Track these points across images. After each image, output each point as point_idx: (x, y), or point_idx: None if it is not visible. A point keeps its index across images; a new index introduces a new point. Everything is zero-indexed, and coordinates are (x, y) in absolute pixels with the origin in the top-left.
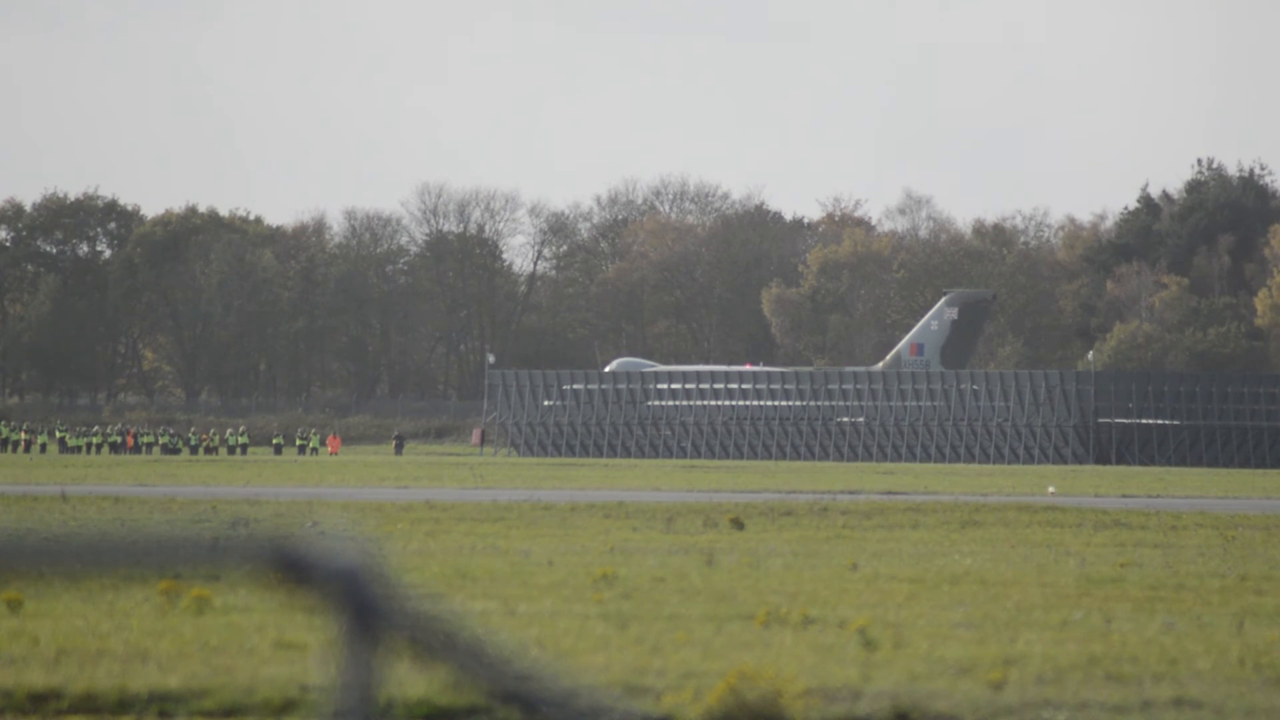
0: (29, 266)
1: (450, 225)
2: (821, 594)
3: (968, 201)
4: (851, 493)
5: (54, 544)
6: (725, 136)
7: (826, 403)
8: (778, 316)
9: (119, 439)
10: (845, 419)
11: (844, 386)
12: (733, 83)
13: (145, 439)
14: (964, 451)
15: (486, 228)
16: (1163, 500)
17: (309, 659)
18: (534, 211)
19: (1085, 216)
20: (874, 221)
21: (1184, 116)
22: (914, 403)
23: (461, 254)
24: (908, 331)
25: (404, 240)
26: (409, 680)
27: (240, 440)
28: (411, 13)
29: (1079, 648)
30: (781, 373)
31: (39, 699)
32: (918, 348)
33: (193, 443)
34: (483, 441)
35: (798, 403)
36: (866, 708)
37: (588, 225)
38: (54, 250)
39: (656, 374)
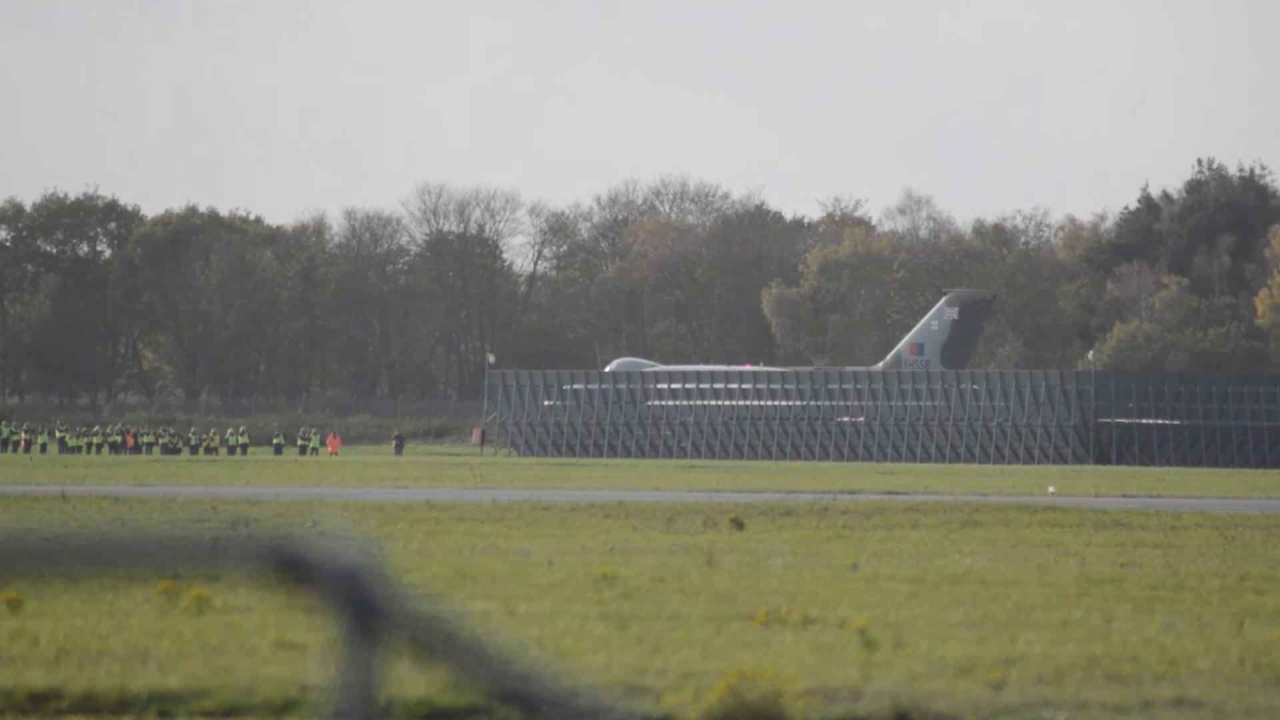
0: (29, 266)
1: (450, 225)
2: (821, 594)
3: (968, 201)
4: (851, 493)
5: (54, 544)
6: (725, 136)
7: (826, 403)
8: (778, 316)
9: (119, 439)
10: (845, 419)
11: (844, 386)
12: (733, 83)
13: (145, 439)
14: (964, 451)
15: (486, 228)
16: (1163, 500)
17: (309, 659)
18: (534, 211)
19: (1085, 216)
20: (874, 221)
21: (1184, 116)
22: (914, 403)
23: (461, 254)
24: (908, 331)
25: (404, 240)
26: (409, 680)
27: (240, 440)
28: (412, 13)
29: (1079, 648)
30: (781, 373)
31: (39, 699)
32: (918, 348)
33: (193, 443)
34: (483, 441)
35: (798, 403)
36: (866, 708)
37: (588, 225)
38: (54, 250)
39: (656, 374)
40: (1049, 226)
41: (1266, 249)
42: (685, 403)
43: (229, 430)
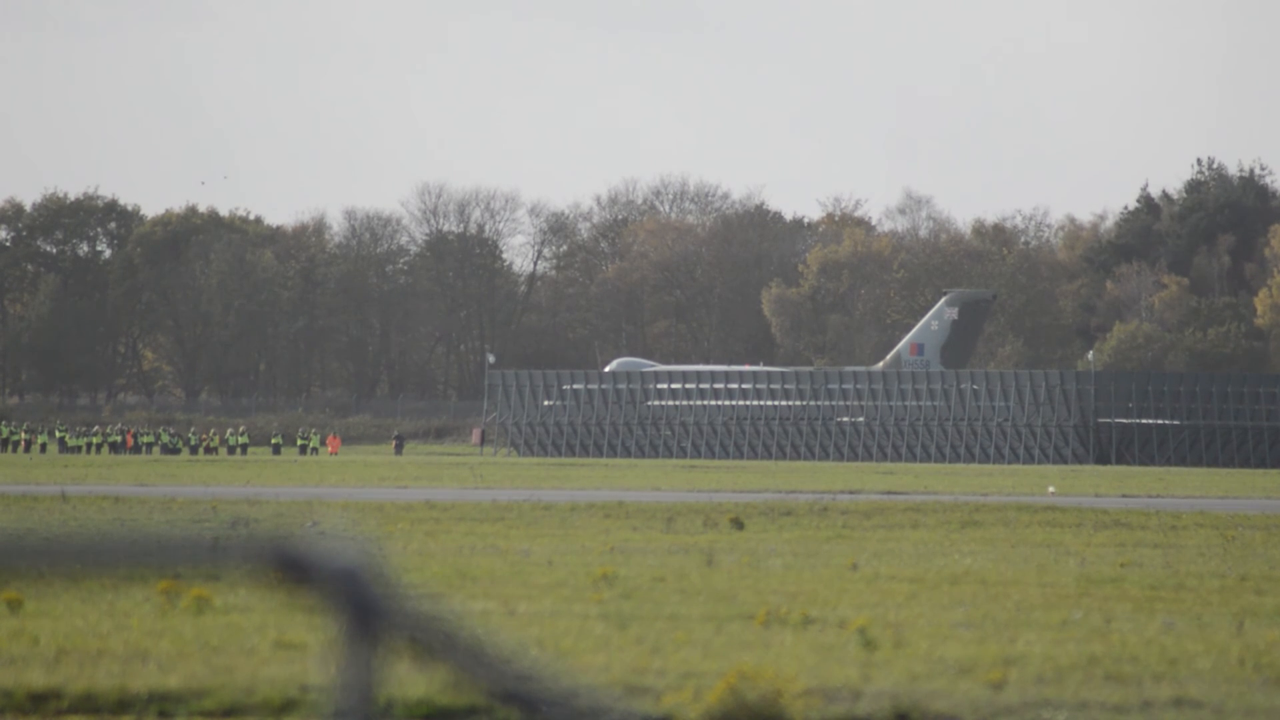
0: (29, 266)
1: (450, 225)
2: (821, 594)
3: (968, 201)
4: (851, 493)
5: (54, 544)
6: (725, 136)
7: (826, 403)
8: (778, 316)
9: (119, 439)
10: (845, 419)
11: (844, 386)
12: (732, 83)
13: (145, 439)
14: (964, 451)
15: (486, 228)
16: (1163, 500)
17: (309, 659)
18: (534, 211)
19: (1085, 216)
20: (874, 221)
21: (1184, 116)
22: (914, 403)
23: (461, 254)
24: (908, 331)
25: (404, 240)
26: (409, 680)
27: (240, 440)
28: (411, 12)
29: (1079, 648)
30: (781, 373)
31: (39, 699)
32: (918, 348)
33: (193, 443)
34: (483, 441)
35: (798, 403)
36: (866, 708)
37: (588, 225)
38: (54, 250)
39: (656, 374)
40: (1049, 226)
41: (1266, 249)
42: (685, 403)
43: (229, 430)
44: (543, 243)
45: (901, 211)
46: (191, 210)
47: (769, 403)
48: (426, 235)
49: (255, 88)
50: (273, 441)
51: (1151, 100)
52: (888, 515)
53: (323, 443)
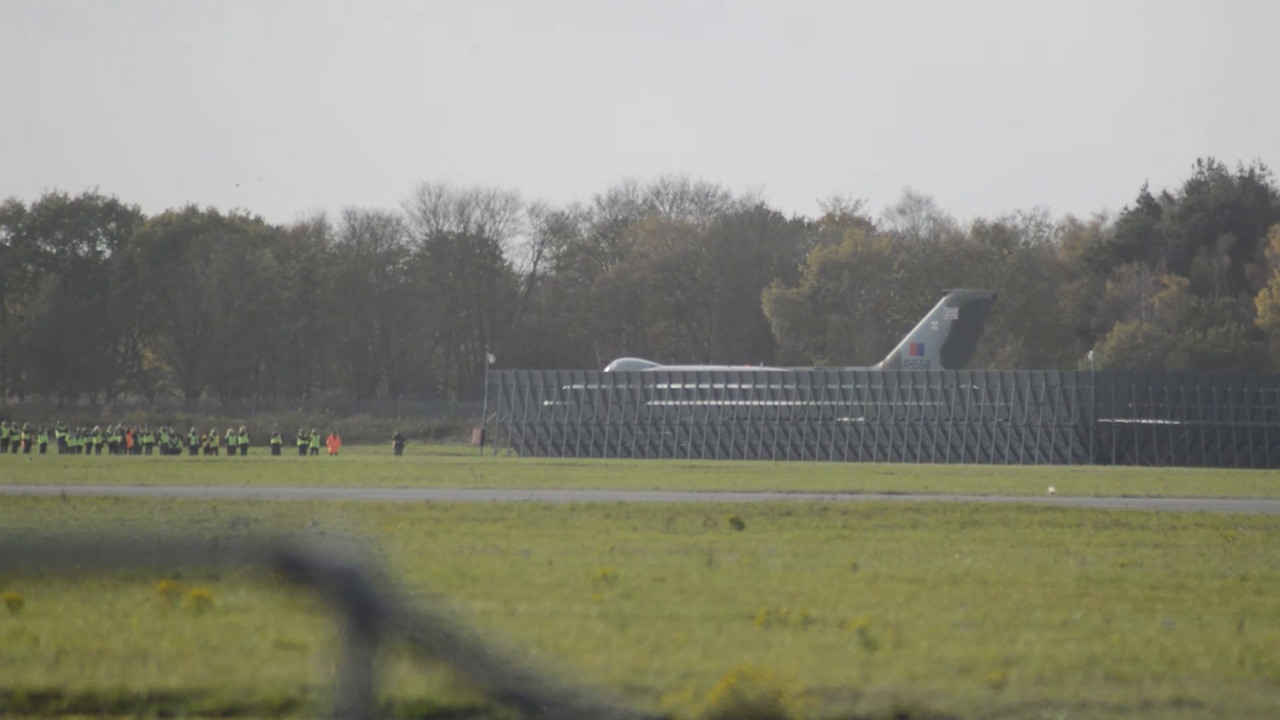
0: (29, 266)
1: (450, 225)
2: (821, 594)
3: (968, 201)
4: (851, 493)
5: (54, 544)
6: (725, 136)
7: (826, 403)
8: (778, 316)
9: (119, 439)
10: (845, 419)
11: (844, 386)
12: (732, 83)
13: (145, 439)
14: (964, 451)
15: (486, 228)
16: (1163, 500)
17: (309, 659)
18: (534, 211)
19: (1085, 216)
20: (874, 221)
21: (1184, 116)
22: (914, 403)
23: (461, 254)
24: (908, 331)
25: (404, 240)
26: (409, 680)
27: (240, 440)
28: (411, 12)
29: (1079, 648)
30: (781, 373)
31: (39, 699)
32: (918, 348)
33: (193, 443)
34: (483, 441)
35: (798, 403)
36: (866, 708)
37: (588, 225)
38: (54, 250)
39: (656, 374)
40: (1049, 226)
41: (1266, 249)
42: (685, 403)
43: (229, 430)
44: (543, 243)
45: (901, 211)
46: (191, 210)
47: (769, 403)
48: (426, 235)
49: (255, 88)
50: (273, 441)
51: (1151, 100)
52: (888, 515)
53: (323, 443)
